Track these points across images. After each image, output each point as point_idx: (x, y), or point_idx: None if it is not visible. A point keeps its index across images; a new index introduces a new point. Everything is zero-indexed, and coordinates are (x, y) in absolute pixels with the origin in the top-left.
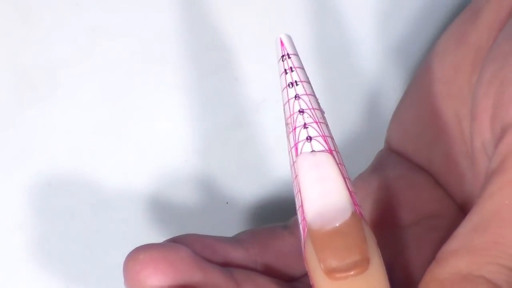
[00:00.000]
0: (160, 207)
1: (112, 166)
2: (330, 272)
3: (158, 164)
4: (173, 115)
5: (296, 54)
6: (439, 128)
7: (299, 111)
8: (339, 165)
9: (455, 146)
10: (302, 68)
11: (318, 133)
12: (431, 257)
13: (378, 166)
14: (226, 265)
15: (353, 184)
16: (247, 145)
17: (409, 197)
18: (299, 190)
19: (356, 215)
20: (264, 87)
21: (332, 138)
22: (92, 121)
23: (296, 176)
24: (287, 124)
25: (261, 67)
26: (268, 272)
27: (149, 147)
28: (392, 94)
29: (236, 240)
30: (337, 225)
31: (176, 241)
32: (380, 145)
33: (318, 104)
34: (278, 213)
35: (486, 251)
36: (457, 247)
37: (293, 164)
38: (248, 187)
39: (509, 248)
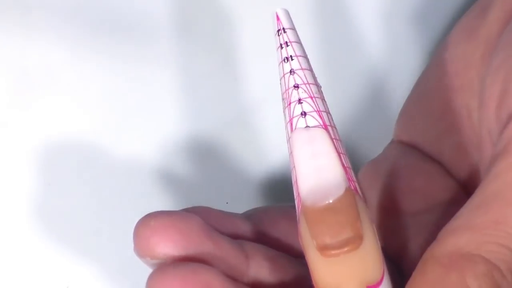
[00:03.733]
0: (159, 208)
1: (112, 166)
2: (323, 249)
3: (157, 164)
4: (173, 115)
5: (293, 29)
6: (450, 120)
7: (294, 86)
8: (334, 140)
9: (465, 138)
10: (299, 42)
11: (313, 108)
12: None
13: (388, 155)
14: (236, 238)
15: (362, 171)
16: (247, 145)
17: (420, 184)
18: (294, 167)
19: (350, 191)
20: (264, 86)
21: (328, 113)
22: (92, 122)
23: (291, 152)
24: (283, 99)
25: (261, 67)
26: (278, 247)
27: (148, 147)
28: (400, 87)
29: (246, 216)
30: (330, 201)
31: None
32: (388, 139)
33: (315, 78)
34: None
35: (486, 230)
36: (457, 226)
37: (288, 140)
38: (248, 187)
39: (509, 228)
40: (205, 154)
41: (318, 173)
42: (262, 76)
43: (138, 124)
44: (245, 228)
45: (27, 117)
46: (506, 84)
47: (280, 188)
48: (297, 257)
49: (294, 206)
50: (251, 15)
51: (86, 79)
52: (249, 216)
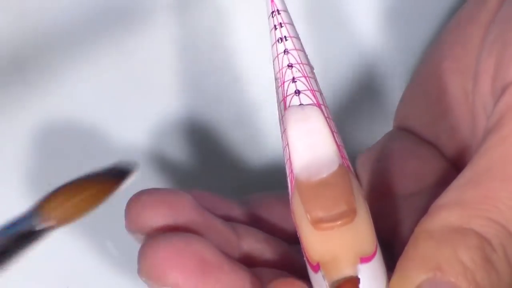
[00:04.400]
0: None
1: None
2: (317, 223)
3: (157, 164)
4: (173, 116)
5: (286, 10)
6: (446, 103)
7: (288, 65)
8: (327, 118)
9: (461, 121)
10: (292, 24)
11: (307, 87)
12: None
13: (383, 140)
14: (229, 221)
15: (359, 159)
16: (248, 145)
17: (414, 167)
18: (287, 144)
19: (343, 167)
20: (264, 87)
21: (320, 93)
22: (91, 122)
23: (285, 129)
24: (276, 79)
25: (261, 67)
26: (272, 231)
27: (148, 148)
28: (398, 79)
29: (241, 201)
30: (324, 176)
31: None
32: (383, 133)
33: (307, 59)
34: None
35: (477, 204)
36: (448, 201)
37: (282, 118)
38: (249, 188)
39: (499, 202)
40: (205, 155)
41: (312, 149)
42: (263, 77)
43: (138, 124)
44: (238, 212)
45: (26, 114)
46: (501, 57)
47: (280, 189)
48: (291, 242)
49: (288, 192)
50: (252, 15)
51: (86, 80)
52: (243, 201)
